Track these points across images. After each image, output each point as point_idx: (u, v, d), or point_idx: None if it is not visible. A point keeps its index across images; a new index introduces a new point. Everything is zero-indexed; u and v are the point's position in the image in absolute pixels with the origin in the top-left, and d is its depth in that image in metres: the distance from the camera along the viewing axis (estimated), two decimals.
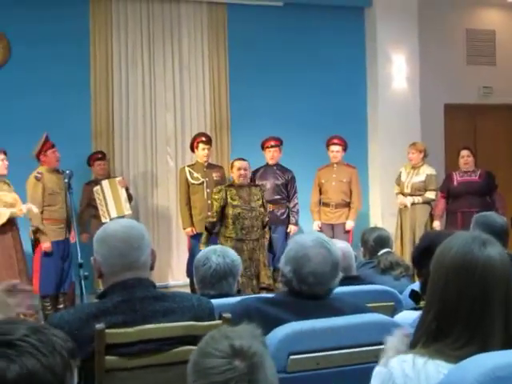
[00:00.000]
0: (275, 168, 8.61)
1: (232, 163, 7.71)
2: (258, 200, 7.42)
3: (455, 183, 8.65)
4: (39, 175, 7.29)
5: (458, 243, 1.86)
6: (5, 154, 6.95)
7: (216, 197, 7.35)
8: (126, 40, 9.11)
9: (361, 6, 10.02)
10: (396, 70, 9.85)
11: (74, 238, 7.32)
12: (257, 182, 8.49)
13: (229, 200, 7.28)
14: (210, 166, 8.50)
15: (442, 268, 1.86)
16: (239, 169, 7.43)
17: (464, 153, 8.71)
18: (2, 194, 6.83)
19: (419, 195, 8.55)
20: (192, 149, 8.55)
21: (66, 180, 5.89)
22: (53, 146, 7.40)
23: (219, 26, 9.47)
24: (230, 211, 7.25)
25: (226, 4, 9.48)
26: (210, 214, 7.58)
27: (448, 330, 1.79)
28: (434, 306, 1.84)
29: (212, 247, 3.77)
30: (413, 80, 9.93)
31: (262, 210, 7.37)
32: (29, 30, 8.60)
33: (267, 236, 7.65)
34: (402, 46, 9.84)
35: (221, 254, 3.62)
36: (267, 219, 7.65)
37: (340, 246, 3.70)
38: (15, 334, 1.38)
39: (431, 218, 8.64)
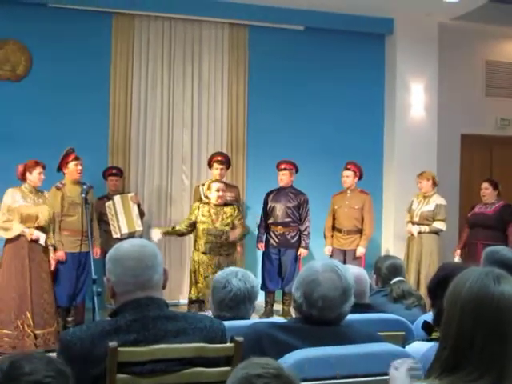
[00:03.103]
0: (287, 191, 8.61)
1: (209, 184, 7.78)
2: (227, 218, 7.58)
3: (469, 214, 8.66)
4: (60, 185, 7.42)
5: (471, 278, 1.86)
6: (44, 167, 7.01)
7: (191, 211, 7.76)
8: (147, 57, 9.19)
9: (381, 34, 10.07)
10: (414, 99, 9.87)
11: (97, 253, 7.37)
12: (269, 204, 8.53)
13: (199, 216, 7.55)
14: (225, 186, 8.52)
15: (456, 303, 1.85)
16: (217, 190, 7.59)
17: (483, 185, 8.69)
18: (25, 205, 6.89)
19: (427, 224, 8.51)
20: (210, 167, 8.59)
21: (83, 195, 5.92)
22: (76, 159, 7.45)
23: (240, 47, 9.54)
24: (199, 226, 7.56)
25: (247, 26, 9.54)
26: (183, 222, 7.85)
27: (463, 363, 1.79)
28: (449, 341, 1.84)
29: (233, 270, 3.69)
30: (431, 109, 9.94)
31: (227, 228, 7.54)
32: (51, 44, 8.75)
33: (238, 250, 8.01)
34: (421, 75, 9.86)
35: (242, 278, 3.57)
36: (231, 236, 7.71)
37: (354, 271, 3.66)
38: None
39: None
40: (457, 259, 8.51)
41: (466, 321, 1.81)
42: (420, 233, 8.51)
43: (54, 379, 1.67)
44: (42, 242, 6.94)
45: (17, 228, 6.83)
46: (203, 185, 8.52)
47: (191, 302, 7.63)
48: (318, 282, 2.84)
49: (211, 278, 7.23)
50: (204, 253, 7.48)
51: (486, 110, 10.63)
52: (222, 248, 7.54)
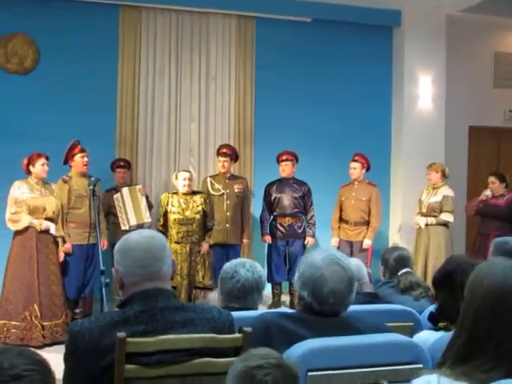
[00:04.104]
0: (291, 181, 8.61)
1: (176, 174, 7.86)
2: (197, 206, 7.64)
3: (481, 205, 8.65)
4: (67, 178, 7.44)
5: (496, 269, 1.85)
6: (47, 159, 7.04)
7: (161, 203, 7.78)
8: (155, 50, 9.17)
9: (389, 26, 10.03)
10: (422, 91, 9.83)
11: (104, 245, 7.37)
12: (273, 196, 8.52)
13: (169, 206, 7.62)
14: (232, 178, 8.52)
15: (477, 292, 1.84)
16: (184, 179, 7.66)
17: (489, 179, 8.74)
18: (31, 196, 6.91)
19: (434, 216, 8.49)
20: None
21: (91, 187, 5.93)
22: (82, 151, 7.47)
23: (247, 38, 9.52)
24: (170, 216, 7.62)
25: (254, 17, 9.52)
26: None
27: (477, 353, 1.78)
28: (465, 331, 1.83)
29: (240, 260, 3.68)
30: (439, 101, 9.91)
31: (197, 216, 7.61)
32: (58, 37, 8.75)
33: (205, 243, 7.87)
34: (429, 67, 9.82)
35: (250, 268, 3.55)
36: (210, 224, 7.88)
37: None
38: None
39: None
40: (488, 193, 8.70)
41: (485, 311, 1.80)
42: (427, 225, 8.50)
43: (34, 372, 1.67)
44: (52, 231, 6.96)
45: (25, 220, 6.84)
46: (210, 176, 8.55)
47: None
48: (324, 277, 2.80)
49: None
50: (177, 242, 7.53)
51: (494, 101, 10.60)
52: (193, 236, 7.59)
